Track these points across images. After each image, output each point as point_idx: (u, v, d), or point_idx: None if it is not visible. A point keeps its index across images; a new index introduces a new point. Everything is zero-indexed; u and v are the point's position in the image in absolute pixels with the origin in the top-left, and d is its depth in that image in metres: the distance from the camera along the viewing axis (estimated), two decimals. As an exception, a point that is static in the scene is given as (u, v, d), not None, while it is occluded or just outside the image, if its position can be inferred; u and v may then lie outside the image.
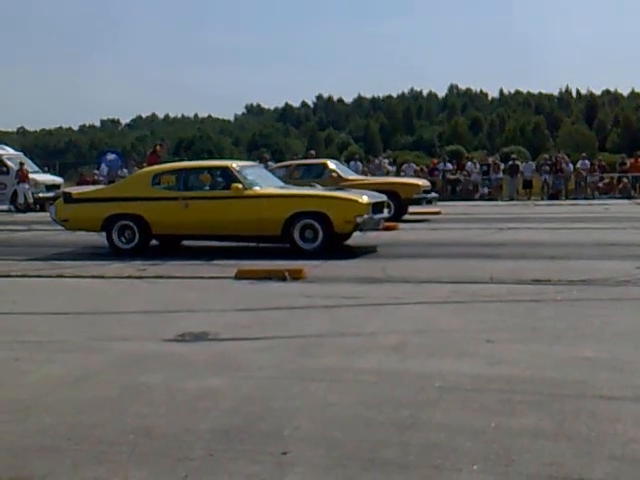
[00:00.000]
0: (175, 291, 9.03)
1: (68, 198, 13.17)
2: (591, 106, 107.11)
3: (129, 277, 9.95)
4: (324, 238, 11.91)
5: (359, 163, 30.98)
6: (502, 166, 31.04)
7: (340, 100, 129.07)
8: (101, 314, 7.55)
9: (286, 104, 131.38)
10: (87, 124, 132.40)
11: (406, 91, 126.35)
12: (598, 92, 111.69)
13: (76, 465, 3.70)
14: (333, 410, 4.40)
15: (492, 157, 34.34)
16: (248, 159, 44.17)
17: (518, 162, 31.35)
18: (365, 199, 12.14)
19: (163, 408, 4.53)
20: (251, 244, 12.62)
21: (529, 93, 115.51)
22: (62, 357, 5.81)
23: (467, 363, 5.31)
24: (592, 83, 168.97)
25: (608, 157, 42.00)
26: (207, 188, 12.72)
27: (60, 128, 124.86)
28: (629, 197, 27.99)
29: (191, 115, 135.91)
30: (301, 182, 16.81)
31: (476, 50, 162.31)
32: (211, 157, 71.94)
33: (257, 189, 12.38)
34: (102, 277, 10.02)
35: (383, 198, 13.05)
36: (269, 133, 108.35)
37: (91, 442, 4.01)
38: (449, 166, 32.37)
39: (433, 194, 20.85)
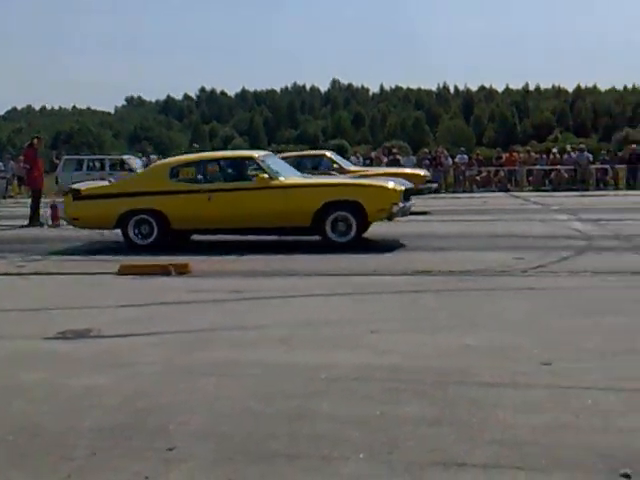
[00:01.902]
0: (55, 288, 8.78)
1: (77, 195, 12.37)
2: (468, 102, 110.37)
3: (7, 274, 9.60)
4: (358, 229, 11.54)
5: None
6: (385, 160, 31.58)
7: (223, 93, 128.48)
8: (-24, 313, 7.26)
9: (168, 96, 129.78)
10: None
11: (289, 85, 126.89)
12: (474, 88, 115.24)
13: (-48, 470, 3.56)
14: (221, 404, 4.38)
15: (375, 152, 34.90)
16: (130, 152, 43.33)
17: (399, 156, 31.96)
18: (399, 186, 11.88)
19: (45, 407, 4.41)
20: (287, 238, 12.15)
21: (409, 89, 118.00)
22: None
23: (353, 354, 5.39)
24: (469, 79, 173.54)
25: (485, 151, 43.47)
26: (231, 180, 12.19)
27: None
28: (505, 190, 28.98)
29: (69, 107, 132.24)
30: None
31: (357, 45, 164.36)
32: (91, 151, 70.16)
33: (283, 179, 11.97)
34: (-23, 274, 9.64)
35: (410, 185, 12.82)
36: (151, 126, 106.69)
37: (-32, 445, 3.85)
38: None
39: (434, 184, 21.01)
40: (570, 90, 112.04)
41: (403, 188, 11.96)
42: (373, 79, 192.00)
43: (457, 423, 3.98)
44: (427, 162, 30.53)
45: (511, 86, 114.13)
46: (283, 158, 20.47)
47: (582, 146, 33.63)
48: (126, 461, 3.62)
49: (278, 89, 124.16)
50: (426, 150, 35.41)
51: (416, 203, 13.74)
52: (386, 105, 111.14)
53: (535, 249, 10.74)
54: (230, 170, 12.48)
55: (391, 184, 11.90)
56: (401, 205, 11.65)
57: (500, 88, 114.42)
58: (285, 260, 10.41)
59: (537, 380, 4.69)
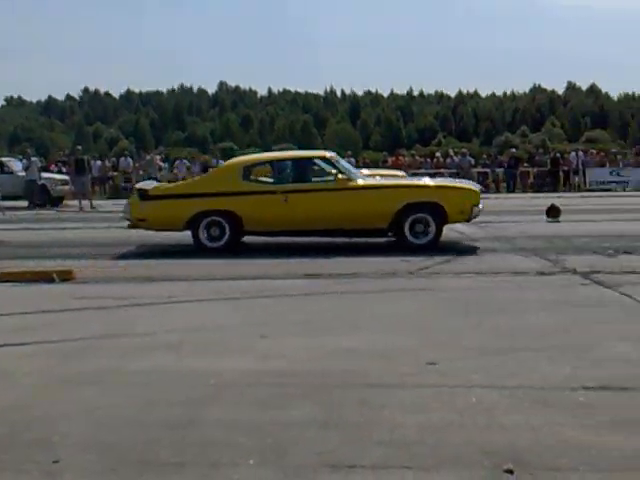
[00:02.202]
0: None
1: (144, 195, 11.74)
2: (355, 106, 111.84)
3: None
4: (437, 231, 11.34)
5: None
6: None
7: (108, 94, 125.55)
8: None
9: (50, 97, 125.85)
10: None
11: (176, 87, 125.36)
12: (360, 93, 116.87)
13: None
14: (105, 414, 4.27)
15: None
16: (10, 154, 41.84)
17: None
18: (476, 188, 11.85)
19: None
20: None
21: (297, 92, 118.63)
22: None
23: (242, 359, 5.35)
24: (355, 84, 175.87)
25: (372, 155, 44.12)
26: (304, 180, 11.81)
27: None
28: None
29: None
30: None
31: (244, 48, 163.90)
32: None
33: (361, 180, 11.76)
34: None
35: (480, 187, 12.85)
36: (32, 127, 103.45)
37: None
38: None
39: None
40: (452, 95, 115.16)
41: (479, 190, 12.03)
42: (261, 82, 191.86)
43: (345, 425, 4.00)
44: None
45: (396, 91, 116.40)
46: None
47: (464, 150, 34.66)
48: (6, 475, 3.48)
49: (164, 90, 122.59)
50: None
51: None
52: (274, 108, 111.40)
53: (420, 251, 10.94)
54: (303, 170, 12.12)
55: (471, 186, 11.97)
56: (481, 206, 11.65)
57: (385, 93, 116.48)
58: (170, 265, 10.26)
59: (423, 380, 4.78)
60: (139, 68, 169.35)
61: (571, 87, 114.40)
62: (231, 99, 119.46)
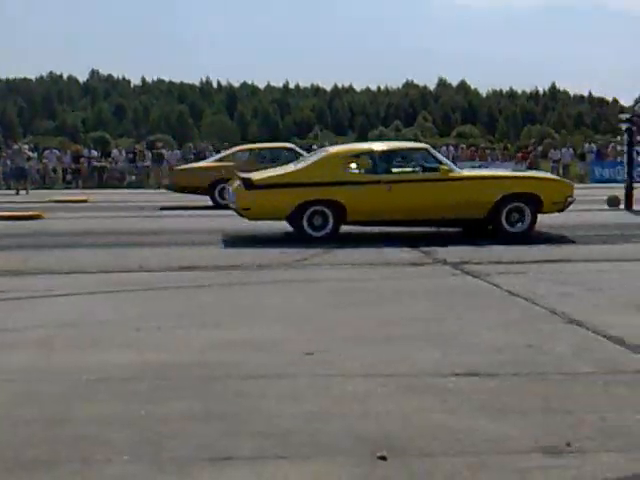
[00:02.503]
0: None
1: (249, 184, 11.58)
2: (232, 97, 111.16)
3: None
4: (532, 220, 11.74)
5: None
6: (149, 154, 31.12)
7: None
8: None
9: None
10: None
11: (44, 74, 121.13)
12: (237, 84, 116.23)
13: None
14: (-27, 413, 4.11)
15: (138, 145, 34.31)
16: None
17: (163, 150, 31.62)
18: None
19: None
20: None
21: (171, 82, 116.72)
22: None
23: (117, 353, 5.26)
24: (231, 75, 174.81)
25: (250, 147, 43.86)
26: (407, 171, 11.94)
27: None
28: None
29: None
30: (261, 166, 15.60)
31: (116, 37, 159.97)
32: None
33: (461, 171, 12.20)
34: None
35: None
36: None
37: None
38: (94, 153, 31.76)
39: None
40: (328, 89, 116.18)
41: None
42: (134, 71, 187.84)
43: (223, 417, 4.01)
44: (192, 157, 30.47)
45: (272, 83, 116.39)
46: (248, 150, 20.12)
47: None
48: None
49: (33, 78, 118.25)
50: (190, 145, 35.32)
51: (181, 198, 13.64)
52: (148, 98, 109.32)
53: (299, 243, 11.03)
54: (405, 161, 12.30)
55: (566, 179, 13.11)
56: (574, 198, 12.15)
57: (262, 85, 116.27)
58: (47, 257, 9.95)
59: (301, 370, 4.83)
60: (4, 54, 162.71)
61: (442, 83, 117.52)
62: (103, 88, 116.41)
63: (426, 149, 12.70)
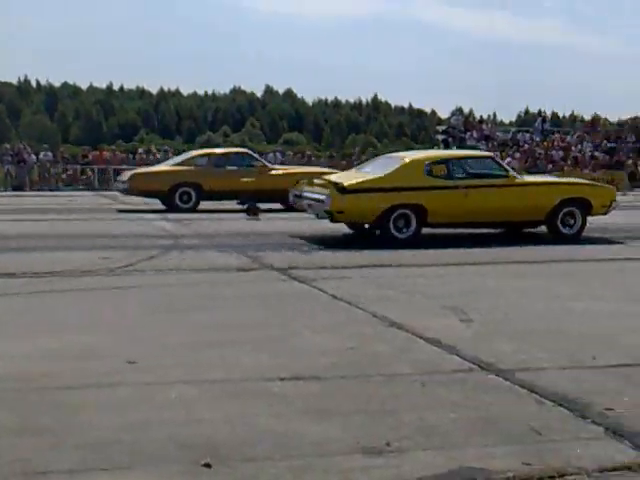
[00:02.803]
0: None
1: (342, 189, 11.99)
2: (52, 98, 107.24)
3: None
4: (582, 223, 12.81)
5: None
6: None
7: None
8: None
9: None
10: None
11: None
12: (58, 84, 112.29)
13: None
14: None
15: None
16: None
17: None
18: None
19: None
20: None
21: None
22: None
23: None
24: (51, 75, 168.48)
25: (71, 149, 42.60)
26: (481, 177, 12.70)
27: None
28: (93, 189, 28.78)
29: None
30: (219, 171, 15.36)
31: None
32: None
33: (522, 178, 13.33)
34: None
35: None
36: None
37: None
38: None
39: None
40: (154, 92, 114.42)
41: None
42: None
43: (40, 431, 3.84)
44: (9, 158, 29.21)
45: (95, 84, 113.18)
46: (207, 155, 19.73)
47: (166, 147, 34.69)
48: None
49: None
50: (7, 146, 33.75)
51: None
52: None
53: (123, 248, 10.79)
54: (477, 168, 12.99)
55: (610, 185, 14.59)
56: (617, 203, 13.49)
57: (84, 86, 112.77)
58: None
59: (122, 379, 4.71)
60: None
61: (269, 91, 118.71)
62: None
63: (492, 157, 14.11)
